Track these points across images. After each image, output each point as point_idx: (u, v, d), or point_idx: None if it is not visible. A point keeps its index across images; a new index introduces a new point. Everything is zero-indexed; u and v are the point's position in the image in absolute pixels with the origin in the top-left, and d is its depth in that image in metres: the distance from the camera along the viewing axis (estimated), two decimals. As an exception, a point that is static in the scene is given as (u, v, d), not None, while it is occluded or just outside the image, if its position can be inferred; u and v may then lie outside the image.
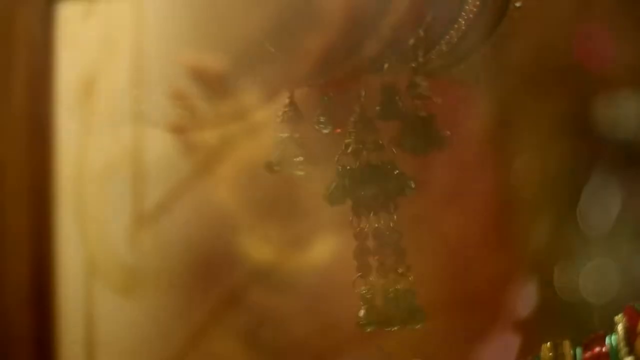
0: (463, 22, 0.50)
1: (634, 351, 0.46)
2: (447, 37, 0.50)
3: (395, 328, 0.51)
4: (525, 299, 0.59)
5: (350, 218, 0.52)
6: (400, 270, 0.51)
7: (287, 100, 0.55)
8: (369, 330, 0.51)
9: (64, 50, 0.74)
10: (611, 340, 0.47)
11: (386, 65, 0.50)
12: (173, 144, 0.67)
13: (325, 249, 0.61)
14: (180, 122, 0.67)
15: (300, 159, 0.54)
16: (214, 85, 0.66)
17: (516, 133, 0.60)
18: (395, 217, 0.51)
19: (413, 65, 0.49)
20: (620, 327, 0.47)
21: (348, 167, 0.52)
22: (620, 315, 0.48)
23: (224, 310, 0.66)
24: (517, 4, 0.51)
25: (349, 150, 0.52)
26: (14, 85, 0.75)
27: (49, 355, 0.74)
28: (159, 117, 0.68)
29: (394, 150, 0.51)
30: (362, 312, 0.51)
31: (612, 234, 0.58)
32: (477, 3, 0.49)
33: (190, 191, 0.67)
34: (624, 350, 0.46)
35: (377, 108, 0.52)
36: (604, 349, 0.47)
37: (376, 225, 0.51)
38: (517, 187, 0.61)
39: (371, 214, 0.51)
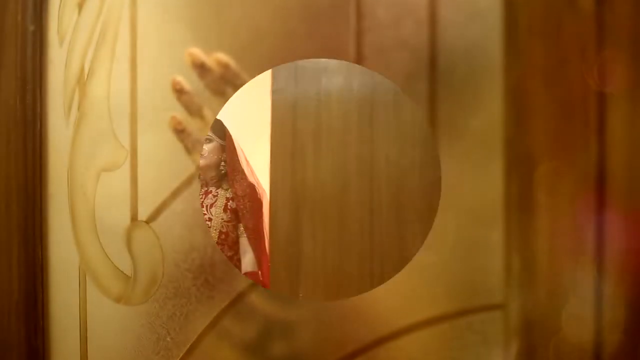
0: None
1: None
2: None
3: None
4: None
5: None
6: None
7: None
8: None
9: (56, 43, 0.71)
10: None
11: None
12: (172, 141, 0.65)
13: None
14: (179, 118, 0.65)
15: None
16: (215, 79, 0.64)
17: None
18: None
19: None
20: None
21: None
22: None
23: (225, 318, 0.64)
24: None
25: None
26: (2, 81, 0.72)
27: (40, 362, 0.72)
28: (156, 113, 0.66)
29: None
30: None
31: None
32: None
33: (191, 191, 0.65)
34: None
35: None
36: None
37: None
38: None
39: None
